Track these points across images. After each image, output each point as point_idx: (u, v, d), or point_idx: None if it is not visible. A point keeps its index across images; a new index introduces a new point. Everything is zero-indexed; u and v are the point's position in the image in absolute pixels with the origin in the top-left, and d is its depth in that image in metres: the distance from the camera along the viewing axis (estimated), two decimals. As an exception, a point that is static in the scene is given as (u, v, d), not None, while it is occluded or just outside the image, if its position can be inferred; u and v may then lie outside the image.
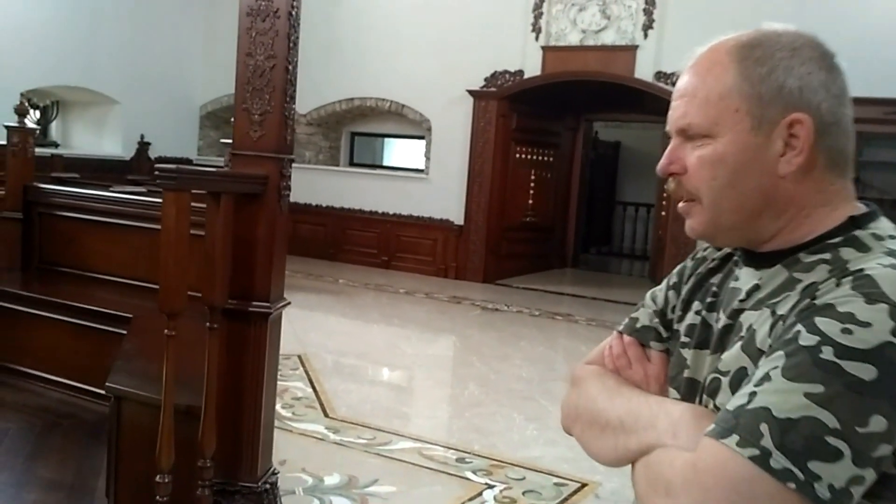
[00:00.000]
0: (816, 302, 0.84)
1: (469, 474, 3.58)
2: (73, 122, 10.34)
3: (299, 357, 5.28)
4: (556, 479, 3.57)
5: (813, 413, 0.77)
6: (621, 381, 1.08)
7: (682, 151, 0.99)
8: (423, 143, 10.11)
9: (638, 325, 1.14)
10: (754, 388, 0.82)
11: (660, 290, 1.16)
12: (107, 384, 2.58)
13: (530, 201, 9.83)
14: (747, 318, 0.95)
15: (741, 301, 0.97)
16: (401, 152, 11.82)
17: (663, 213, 8.92)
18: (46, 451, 3.19)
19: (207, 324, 2.27)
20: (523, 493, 3.40)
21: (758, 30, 0.98)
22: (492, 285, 9.10)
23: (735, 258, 1.06)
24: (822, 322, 0.81)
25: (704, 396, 0.96)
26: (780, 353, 0.83)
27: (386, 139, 11.71)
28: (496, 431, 4.23)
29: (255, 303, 2.44)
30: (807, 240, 0.94)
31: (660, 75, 8.26)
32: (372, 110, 10.30)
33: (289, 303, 2.64)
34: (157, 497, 2.16)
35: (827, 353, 0.79)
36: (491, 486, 3.45)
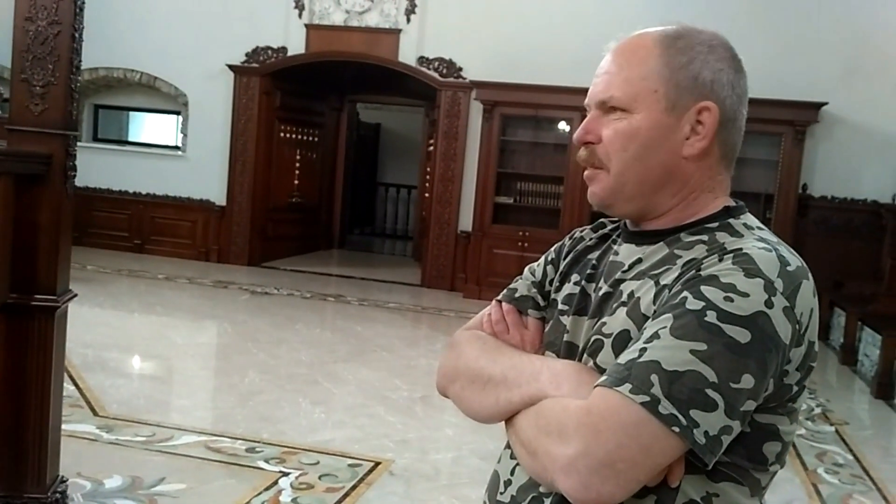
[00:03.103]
0: (702, 273, 0.94)
1: (262, 464, 3.49)
2: None
3: (55, 352, 4.80)
4: (349, 461, 3.59)
5: (697, 368, 0.87)
6: (501, 343, 1.15)
7: (598, 123, 1.06)
8: (177, 118, 9.56)
9: (516, 295, 1.21)
10: (644, 344, 0.91)
11: (538, 265, 1.24)
12: None
13: (296, 182, 9.67)
14: (628, 286, 1.03)
15: (623, 272, 1.06)
16: (151, 128, 11.09)
17: (427, 195, 9.19)
18: None
19: (-15, 322, 2.00)
20: (319, 478, 3.38)
21: (681, 24, 1.07)
22: (258, 268, 8.87)
23: (613, 237, 1.16)
24: (707, 290, 0.91)
25: (585, 356, 1.04)
26: (668, 315, 0.92)
27: (134, 113, 10.90)
28: (283, 418, 4.15)
29: (38, 296, 2.18)
30: (689, 221, 1.05)
31: (422, 60, 8.48)
32: (119, 82, 9.53)
33: (75, 294, 2.40)
34: (-72, 522, 1.88)
35: (711, 317, 0.89)
36: (286, 474, 3.39)
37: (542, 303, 1.20)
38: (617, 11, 7.66)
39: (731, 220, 1.04)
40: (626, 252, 1.09)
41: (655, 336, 0.91)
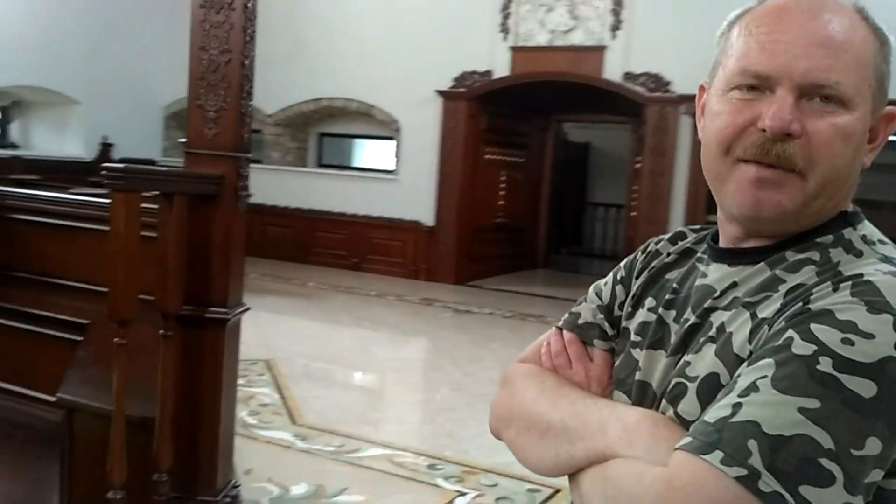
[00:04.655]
0: (811, 307, 0.75)
1: (440, 481, 3.49)
2: (33, 123, 10.09)
3: (266, 362, 5.15)
4: (529, 486, 3.49)
5: (807, 431, 0.68)
6: (562, 381, 0.97)
7: (799, 110, 0.81)
8: (392, 143, 10.02)
9: (580, 321, 1.03)
10: (738, 398, 0.72)
11: (605, 283, 1.06)
12: (58, 395, 2.46)
13: (501, 202, 9.78)
14: (718, 317, 0.85)
15: (714, 299, 0.87)
16: (370, 153, 11.71)
17: (633, 214, 8.90)
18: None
19: (161, 331, 2.16)
20: (496, 501, 3.32)
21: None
22: (463, 287, 9.03)
23: (698, 254, 0.96)
24: (819, 330, 0.72)
25: (663, 402, 0.86)
26: (769, 360, 0.73)
27: (355, 140, 11.59)
28: (468, 437, 4.14)
29: (211, 309, 2.33)
30: (797, 233, 0.85)
31: (628, 76, 8.24)
32: (340, 111, 10.18)
33: (248, 308, 2.53)
34: (110, 514, 2.05)
35: (825, 365, 0.70)
36: (463, 494, 3.36)
37: (610, 331, 1.01)
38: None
39: (846, 231, 0.84)
40: (717, 274, 0.89)
41: (753, 388, 0.72)
